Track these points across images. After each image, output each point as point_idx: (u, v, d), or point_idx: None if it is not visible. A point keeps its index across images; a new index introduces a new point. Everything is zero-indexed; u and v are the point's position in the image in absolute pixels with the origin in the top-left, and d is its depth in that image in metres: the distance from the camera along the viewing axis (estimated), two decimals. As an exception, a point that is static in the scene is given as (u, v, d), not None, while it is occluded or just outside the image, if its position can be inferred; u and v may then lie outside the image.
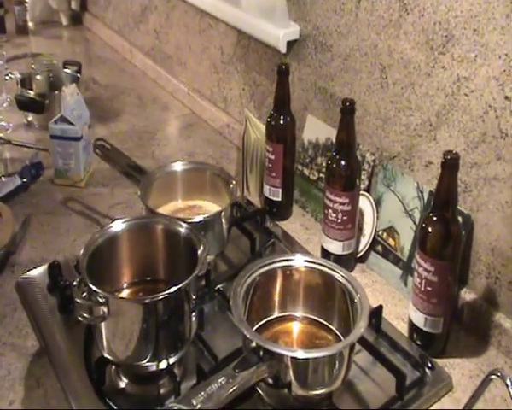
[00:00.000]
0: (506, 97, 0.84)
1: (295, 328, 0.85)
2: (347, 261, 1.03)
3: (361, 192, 1.03)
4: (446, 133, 0.94)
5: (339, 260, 0.99)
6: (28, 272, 0.99)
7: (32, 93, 1.47)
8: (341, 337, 0.81)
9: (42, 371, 0.84)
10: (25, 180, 1.22)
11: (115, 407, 0.77)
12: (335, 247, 1.01)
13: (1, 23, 2.03)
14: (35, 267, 1.01)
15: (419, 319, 0.87)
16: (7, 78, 1.46)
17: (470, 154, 0.90)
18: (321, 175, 1.16)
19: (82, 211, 1.19)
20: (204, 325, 0.87)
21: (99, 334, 0.78)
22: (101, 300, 0.74)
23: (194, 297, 0.79)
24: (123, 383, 0.82)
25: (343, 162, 0.97)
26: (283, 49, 1.20)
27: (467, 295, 0.93)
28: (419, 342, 0.88)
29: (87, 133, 1.27)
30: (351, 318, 0.79)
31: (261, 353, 0.71)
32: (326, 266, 0.84)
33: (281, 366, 0.71)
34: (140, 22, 1.83)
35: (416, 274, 0.86)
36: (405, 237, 0.99)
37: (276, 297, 0.86)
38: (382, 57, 1.02)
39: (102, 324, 0.76)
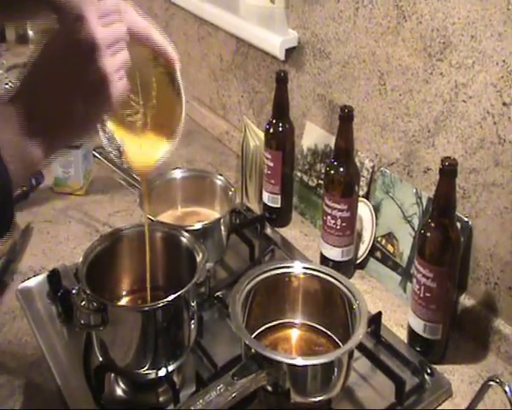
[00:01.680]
0: (504, 103, 0.84)
1: (294, 335, 0.85)
2: (346, 268, 1.03)
3: (360, 199, 1.03)
4: (444, 139, 0.94)
5: (338, 266, 0.99)
6: (28, 280, 1.00)
7: (32, 101, 1.47)
8: (340, 344, 0.81)
9: (41, 379, 0.84)
10: (24, 188, 1.22)
11: (114, 415, 0.78)
12: (334, 253, 1.01)
13: (1, 32, 2.03)
14: (35, 275, 1.01)
15: (418, 326, 0.87)
16: (7, 86, 1.46)
17: (468, 160, 0.91)
18: (320, 182, 1.16)
19: (81, 219, 1.19)
20: (203, 333, 0.87)
21: (98, 342, 0.78)
22: (100, 308, 0.74)
23: (193, 305, 0.79)
24: (122, 390, 0.82)
25: (342, 169, 0.98)
26: (282, 57, 1.20)
27: (466, 301, 0.93)
28: (418, 349, 0.88)
29: (87, 141, 1.27)
30: (350, 324, 0.79)
31: (260, 360, 0.71)
32: (325, 273, 0.84)
33: (280, 373, 0.71)
34: (139, 30, 1.84)
35: (414, 280, 0.86)
36: (404, 244, 0.99)
37: (276, 304, 0.86)
38: (380, 64, 1.02)
39: (101, 331, 0.76)
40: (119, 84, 0.61)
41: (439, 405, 0.82)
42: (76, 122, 0.61)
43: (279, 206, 1.16)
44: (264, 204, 1.17)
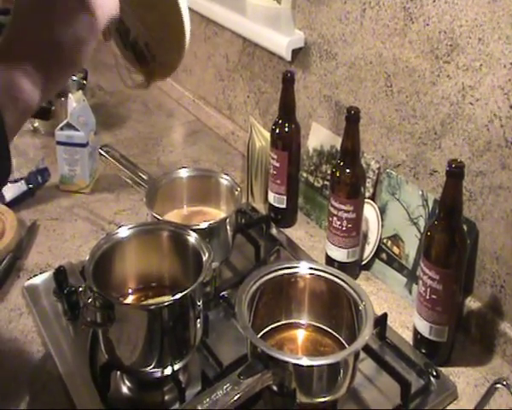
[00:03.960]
0: (511, 106, 0.84)
1: (300, 335, 0.86)
2: (352, 269, 1.03)
3: (366, 200, 1.03)
4: (451, 142, 0.94)
5: (343, 267, 0.99)
6: (34, 278, 1.00)
7: (38, 99, 1.47)
8: (346, 345, 0.82)
9: (47, 377, 0.84)
10: (31, 186, 1.23)
11: (120, 413, 0.78)
12: (340, 254, 1.01)
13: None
14: (41, 273, 1.01)
15: (424, 328, 0.87)
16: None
17: (475, 162, 0.91)
18: (325, 183, 1.16)
19: (87, 217, 1.19)
20: (209, 332, 0.88)
21: (104, 340, 0.78)
22: (106, 305, 0.74)
23: (199, 304, 0.79)
24: (128, 389, 0.82)
25: (348, 170, 0.98)
26: (288, 57, 1.20)
27: (472, 303, 0.93)
28: (424, 351, 0.88)
29: (93, 140, 1.27)
30: (355, 325, 0.79)
31: (266, 360, 0.71)
32: (331, 274, 0.84)
33: (285, 373, 0.71)
34: (146, 29, 1.84)
35: (420, 282, 0.86)
36: (410, 245, 1.00)
37: (281, 304, 0.86)
38: (387, 66, 1.02)
39: (108, 329, 0.76)
40: (103, 5, 0.59)
41: (445, 407, 0.82)
42: (64, 53, 0.59)
43: (285, 206, 1.16)
44: (270, 204, 1.17)
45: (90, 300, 0.75)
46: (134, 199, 1.23)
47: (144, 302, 0.87)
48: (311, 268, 0.85)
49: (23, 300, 0.97)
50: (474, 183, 0.91)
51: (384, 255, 1.04)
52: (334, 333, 0.84)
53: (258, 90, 1.37)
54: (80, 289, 0.77)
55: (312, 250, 1.11)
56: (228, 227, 0.99)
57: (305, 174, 1.20)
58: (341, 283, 0.82)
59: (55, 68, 0.59)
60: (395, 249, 1.02)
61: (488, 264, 0.91)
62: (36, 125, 1.49)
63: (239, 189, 1.03)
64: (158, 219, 0.96)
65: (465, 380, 0.86)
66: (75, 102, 1.24)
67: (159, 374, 0.78)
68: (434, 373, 0.83)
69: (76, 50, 0.60)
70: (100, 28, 0.61)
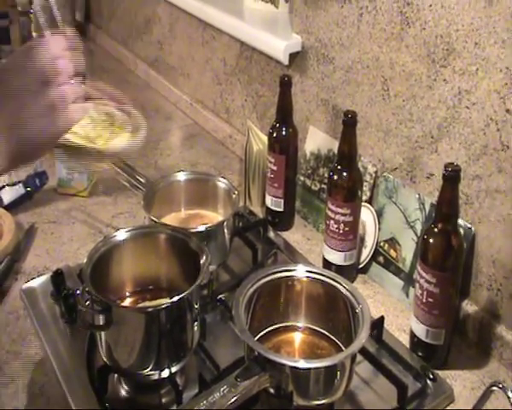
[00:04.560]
0: (507, 110, 0.84)
1: (297, 338, 0.86)
2: (349, 272, 1.03)
3: (363, 204, 1.03)
4: (448, 145, 0.94)
5: (340, 270, 0.99)
6: (32, 281, 1.00)
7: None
8: (343, 348, 0.82)
9: (45, 379, 0.84)
10: (29, 189, 1.23)
11: (117, 416, 0.78)
12: (337, 257, 1.02)
13: (6, 34, 2.04)
14: (39, 276, 1.01)
15: (421, 331, 0.87)
16: None
17: (471, 166, 0.91)
18: (323, 186, 1.16)
19: (85, 220, 1.19)
20: (206, 335, 0.88)
21: (102, 342, 0.78)
22: (104, 308, 0.75)
23: (196, 307, 0.80)
24: (125, 391, 0.82)
25: (345, 173, 0.98)
26: (286, 61, 1.21)
27: (468, 307, 0.94)
28: (421, 354, 0.88)
29: (91, 143, 1.27)
30: (352, 328, 0.79)
31: (263, 362, 0.71)
32: (328, 277, 0.84)
33: (282, 375, 0.71)
34: (144, 33, 1.85)
35: (417, 286, 0.86)
36: (407, 249, 1.00)
37: (278, 307, 0.86)
38: (384, 70, 1.02)
39: (105, 332, 0.76)
40: (78, 106, 0.65)
41: (441, 410, 0.82)
42: (37, 137, 0.63)
43: (282, 209, 1.16)
44: (267, 208, 1.18)
45: (87, 302, 0.76)
46: (132, 202, 1.23)
47: (142, 305, 0.87)
48: (308, 271, 0.85)
49: (21, 302, 0.97)
50: (470, 186, 0.92)
51: (381, 259, 1.05)
52: (331, 336, 0.84)
53: (256, 94, 1.37)
54: (78, 291, 0.77)
55: (309, 253, 1.11)
56: (225, 230, 0.99)
57: (302, 178, 1.21)
58: (338, 286, 0.83)
59: (24, 147, 0.63)
60: (392, 253, 1.02)
61: (485, 267, 0.92)
62: (34, 128, 1.49)
63: (236, 192, 1.03)
64: (155, 222, 0.96)
65: (462, 383, 0.86)
66: (73, 105, 1.24)
67: (156, 377, 0.78)
68: (431, 376, 0.84)
69: (47, 138, 0.64)
70: (66, 131, 0.65)
